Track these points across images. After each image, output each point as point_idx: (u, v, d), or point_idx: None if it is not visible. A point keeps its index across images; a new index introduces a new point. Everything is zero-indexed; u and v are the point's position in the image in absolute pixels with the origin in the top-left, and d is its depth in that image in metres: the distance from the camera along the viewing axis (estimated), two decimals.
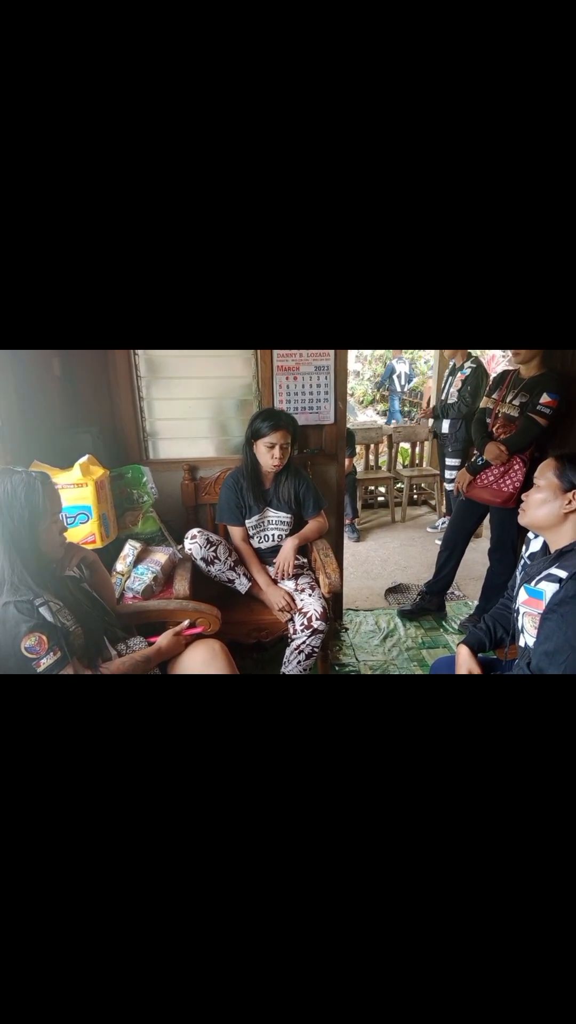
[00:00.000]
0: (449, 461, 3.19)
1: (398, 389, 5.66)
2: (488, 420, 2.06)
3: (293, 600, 1.68)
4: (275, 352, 1.96)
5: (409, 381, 5.68)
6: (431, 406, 3.51)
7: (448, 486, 3.27)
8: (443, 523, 3.51)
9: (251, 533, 1.77)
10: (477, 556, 2.93)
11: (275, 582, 1.74)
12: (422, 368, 6.34)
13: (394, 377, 5.61)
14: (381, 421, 5.65)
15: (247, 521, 1.75)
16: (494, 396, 2.07)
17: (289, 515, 1.78)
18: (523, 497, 1.12)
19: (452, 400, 3.04)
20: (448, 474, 3.22)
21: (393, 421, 5.27)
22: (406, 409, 5.74)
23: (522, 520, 1.11)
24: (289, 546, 1.73)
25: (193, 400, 2.01)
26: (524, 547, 1.22)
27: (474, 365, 2.98)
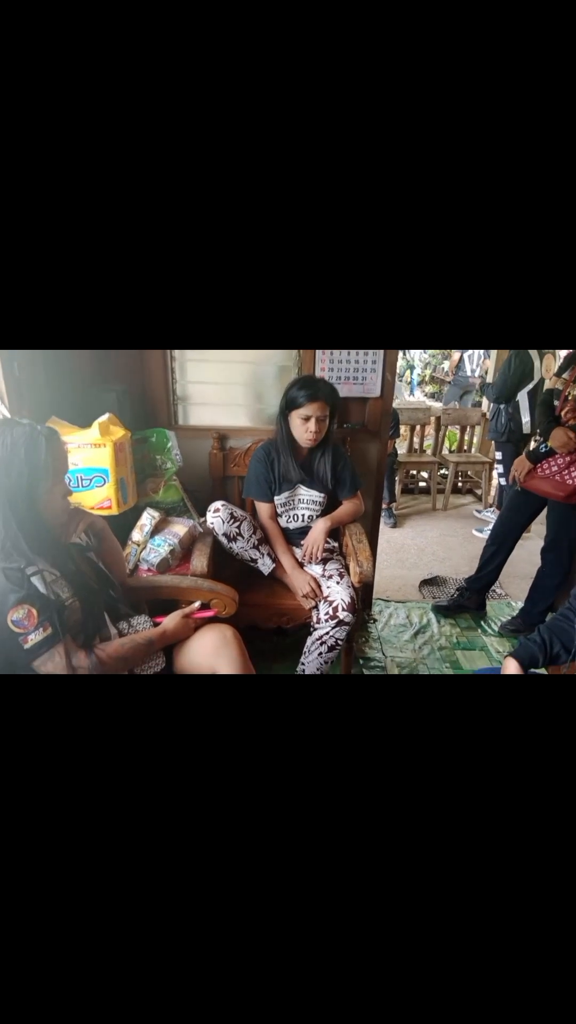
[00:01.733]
0: (496, 455, 2.96)
1: (468, 372, 4.97)
2: (556, 403, 1.82)
3: (319, 586, 1.54)
4: None
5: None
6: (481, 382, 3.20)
7: (501, 481, 3.02)
8: (489, 514, 3.27)
9: (279, 511, 1.63)
10: (524, 554, 2.70)
11: (301, 565, 1.60)
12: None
13: (465, 358, 4.68)
14: (430, 402, 5.27)
15: (276, 498, 1.61)
16: (565, 376, 1.83)
17: (322, 494, 1.63)
18: None
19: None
20: (498, 468, 2.98)
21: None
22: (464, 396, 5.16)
23: None
24: (320, 528, 1.59)
25: (229, 364, 1.86)
26: None
27: None
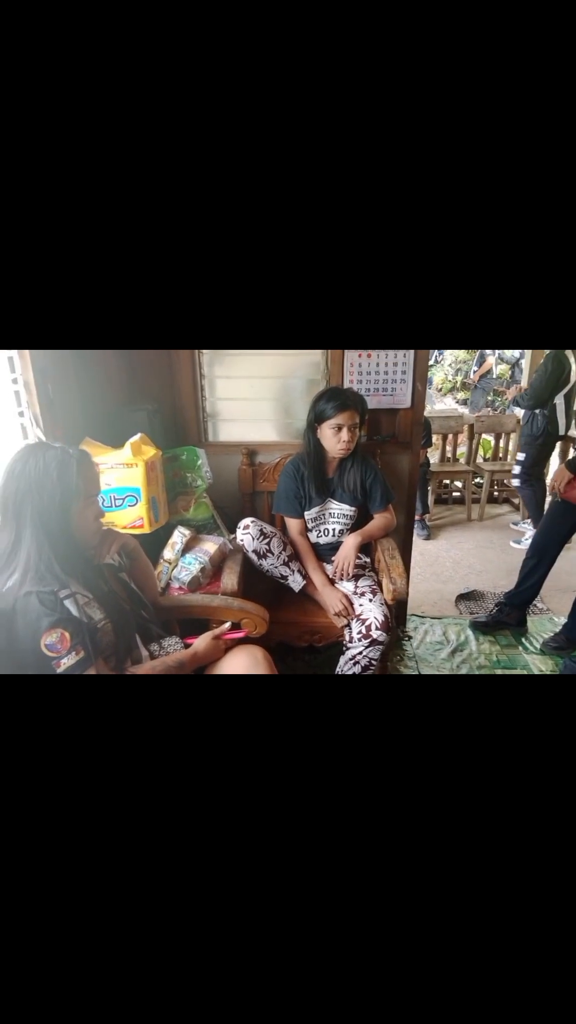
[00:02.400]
0: (518, 456, 2.97)
1: (494, 375, 4.86)
2: None
3: (351, 604, 1.51)
4: None
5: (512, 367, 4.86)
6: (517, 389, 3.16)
7: (515, 482, 3.02)
8: (526, 526, 3.16)
9: (310, 526, 1.61)
10: (567, 565, 2.58)
11: (332, 582, 1.57)
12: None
13: (491, 359, 4.69)
14: (462, 410, 5.16)
15: (306, 513, 1.59)
16: None
17: (353, 508, 1.60)
18: None
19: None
20: (515, 468, 3.00)
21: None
22: (490, 398, 5.16)
23: None
24: (351, 544, 1.56)
25: (257, 379, 1.87)
26: None
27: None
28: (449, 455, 3.71)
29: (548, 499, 2.65)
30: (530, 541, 3.05)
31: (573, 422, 2.75)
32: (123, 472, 1.36)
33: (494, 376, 4.67)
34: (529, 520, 3.16)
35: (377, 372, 1.82)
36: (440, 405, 6.20)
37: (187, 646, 1.09)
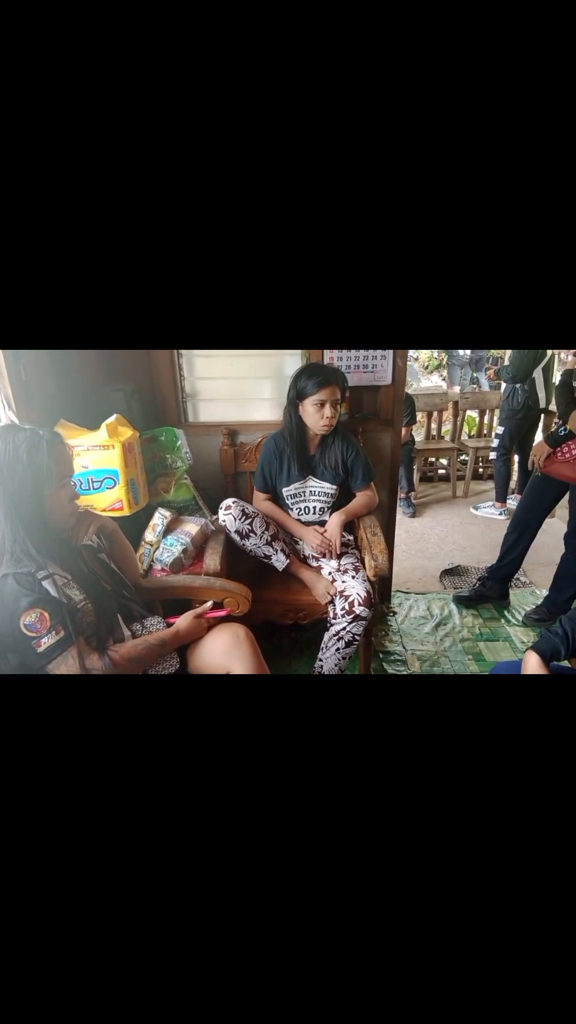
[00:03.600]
0: (497, 429, 3.06)
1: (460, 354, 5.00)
2: (575, 384, 1.75)
3: (333, 541, 1.54)
4: None
5: None
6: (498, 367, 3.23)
7: (492, 455, 3.14)
8: (489, 506, 3.24)
9: (290, 503, 1.62)
10: (548, 539, 2.62)
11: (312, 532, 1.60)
12: None
13: None
14: (446, 387, 5.18)
15: (286, 489, 1.60)
16: None
17: (334, 486, 1.60)
18: None
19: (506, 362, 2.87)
20: (493, 442, 3.12)
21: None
22: (475, 374, 5.20)
23: None
24: (335, 522, 1.56)
25: (236, 358, 1.84)
26: None
27: None
28: (434, 433, 3.72)
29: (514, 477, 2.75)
30: (490, 507, 3.16)
31: (552, 395, 2.78)
32: (100, 454, 1.35)
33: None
34: (515, 495, 3.21)
35: (357, 349, 1.80)
36: (426, 383, 6.19)
37: (169, 626, 1.09)
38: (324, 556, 1.59)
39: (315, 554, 1.62)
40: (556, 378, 2.76)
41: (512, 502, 3.24)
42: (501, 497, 3.18)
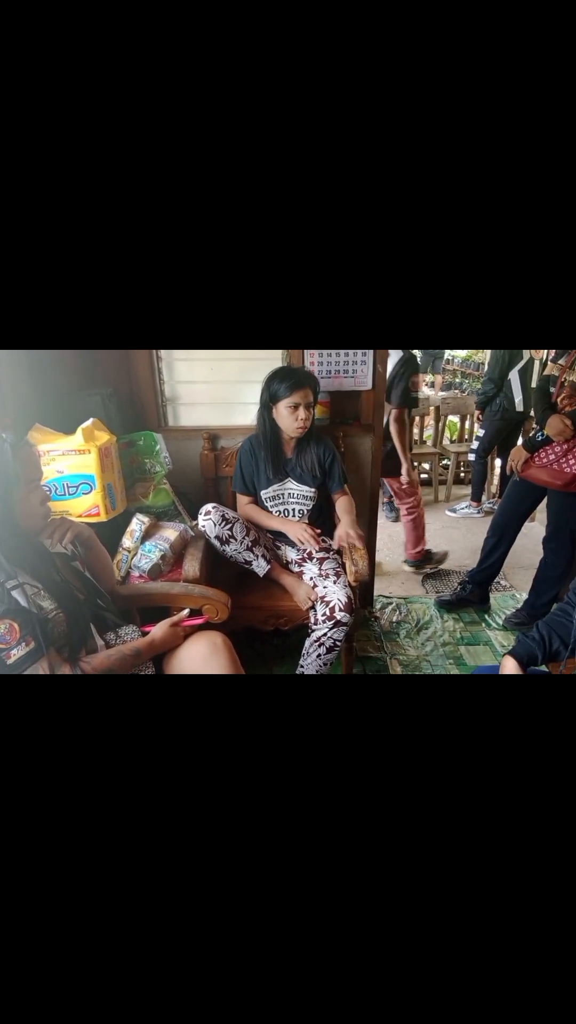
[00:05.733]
0: (477, 432, 3.15)
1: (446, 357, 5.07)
2: (552, 389, 1.78)
3: (315, 532, 1.53)
4: None
5: None
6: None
7: (470, 456, 3.22)
8: (465, 506, 3.29)
9: (269, 507, 1.62)
10: (528, 543, 2.66)
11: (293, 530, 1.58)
12: None
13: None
14: (429, 392, 5.23)
15: (264, 492, 1.59)
16: (560, 362, 1.78)
17: (313, 489, 1.60)
18: None
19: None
20: (473, 444, 3.20)
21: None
22: (457, 380, 5.27)
23: None
24: (348, 521, 1.54)
25: (216, 361, 1.83)
26: None
27: None
28: (416, 437, 3.74)
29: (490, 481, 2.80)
30: (466, 508, 3.21)
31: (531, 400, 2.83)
32: (75, 459, 1.32)
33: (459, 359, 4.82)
34: (494, 499, 3.25)
35: (338, 354, 1.80)
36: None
37: (145, 634, 1.07)
38: (304, 547, 1.56)
39: (296, 558, 1.61)
40: (534, 382, 2.81)
41: (491, 504, 3.29)
42: (477, 496, 3.26)
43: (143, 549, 1.43)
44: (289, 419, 1.48)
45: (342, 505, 1.62)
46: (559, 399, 1.74)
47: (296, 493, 1.61)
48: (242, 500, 1.66)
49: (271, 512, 1.63)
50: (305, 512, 1.62)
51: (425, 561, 2.58)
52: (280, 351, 1.82)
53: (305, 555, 1.63)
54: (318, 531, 1.55)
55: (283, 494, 1.61)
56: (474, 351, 5.25)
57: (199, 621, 1.14)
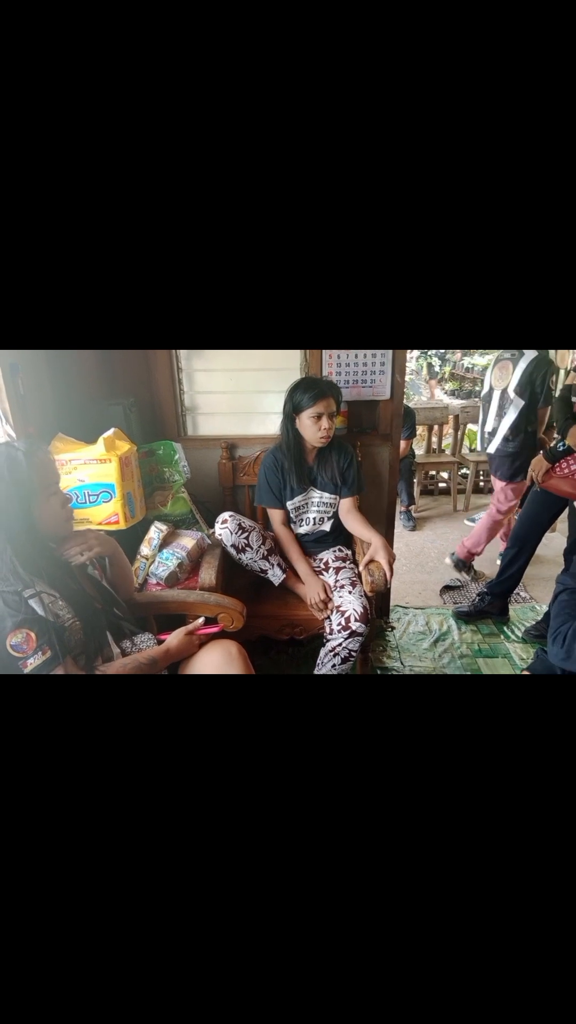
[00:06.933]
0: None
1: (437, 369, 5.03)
2: (574, 399, 1.75)
3: (329, 596, 1.51)
4: None
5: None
6: None
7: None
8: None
9: (293, 516, 1.61)
10: (549, 553, 2.61)
11: (317, 573, 1.58)
12: None
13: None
14: (448, 400, 5.20)
15: (289, 503, 1.59)
16: None
17: (333, 495, 1.61)
18: None
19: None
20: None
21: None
22: (477, 388, 5.23)
23: None
24: (381, 544, 1.49)
25: (236, 372, 1.85)
26: None
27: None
28: (435, 446, 3.71)
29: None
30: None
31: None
32: (96, 468, 1.35)
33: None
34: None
35: (356, 364, 1.81)
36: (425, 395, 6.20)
37: (161, 642, 1.08)
38: (316, 609, 1.52)
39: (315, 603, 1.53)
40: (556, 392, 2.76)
41: None
42: None
43: (160, 557, 1.45)
44: (312, 429, 1.49)
45: (358, 518, 1.59)
46: None
47: (318, 500, 1.62)
48: (275, 516, 1.62)
49: (293, 523, 1.63)
50: (324, 519, 1.62)
51: (465, 567, 2.54)
52: (298, 361, 1.84)
53: (322, 565, 1.63)
54: (328, 600, 1.51)
55: (307, 504, 1.62)
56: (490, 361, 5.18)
57: (214, 629, 1.14)
